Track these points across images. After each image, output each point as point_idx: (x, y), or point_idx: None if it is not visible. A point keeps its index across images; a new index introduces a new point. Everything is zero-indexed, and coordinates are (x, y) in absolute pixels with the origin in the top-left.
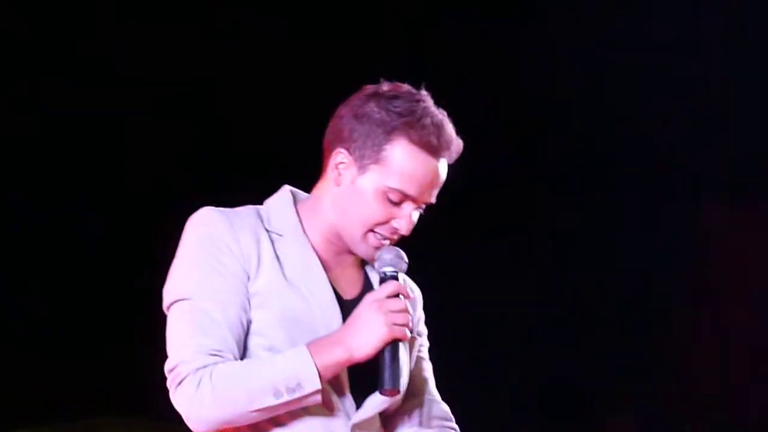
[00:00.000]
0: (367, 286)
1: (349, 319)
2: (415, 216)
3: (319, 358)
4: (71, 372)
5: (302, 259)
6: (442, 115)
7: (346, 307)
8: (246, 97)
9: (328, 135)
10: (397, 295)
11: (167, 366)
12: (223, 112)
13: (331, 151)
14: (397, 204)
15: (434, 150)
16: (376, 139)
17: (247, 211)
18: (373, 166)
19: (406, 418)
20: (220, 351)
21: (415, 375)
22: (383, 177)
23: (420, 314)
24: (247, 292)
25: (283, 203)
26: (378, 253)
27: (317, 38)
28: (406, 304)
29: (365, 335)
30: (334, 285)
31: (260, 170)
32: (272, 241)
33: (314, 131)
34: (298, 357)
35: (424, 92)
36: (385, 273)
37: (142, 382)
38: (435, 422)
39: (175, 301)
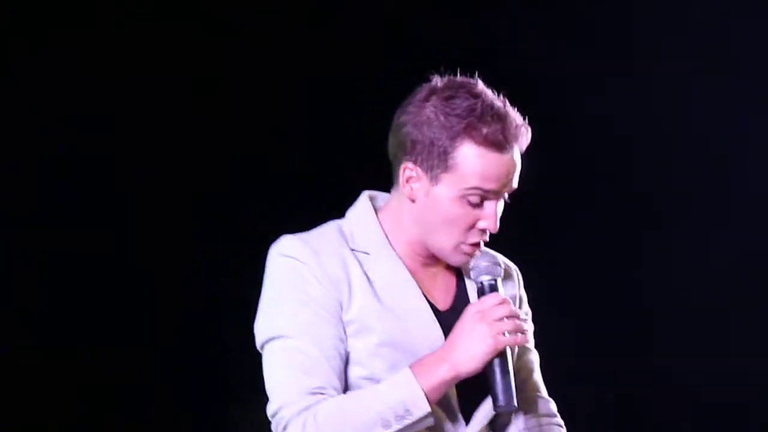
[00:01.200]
0: (462, 293)
1: (452, 334)
2: (500, 209)
3: (424, 380)
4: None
5: (394, 277)
6: (503, 105)
7: (443, 319)
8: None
9: (392, 147)
10: (500, 303)
11: (269, 410)
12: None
13: (398, 164)
14: (479, 204)
15: (502, 146)
16: (441, 146)
17: (328, 231)
18: (444, 175)
19: (510, 416)
20: (321, 389)
21: (519, 368)
22: (458, 182)
23: (522, 295)
24: (342, 321)
25: (366, 217)
26: (472, 262)
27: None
28: (512, 309)
29: (470, 349)
30: (428, 297)
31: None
32: (360, 262)
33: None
34: (403, 382)
35: (480, 84)
36: (482, 283)
37: None
38: (540, 420)
39: (268, 340)
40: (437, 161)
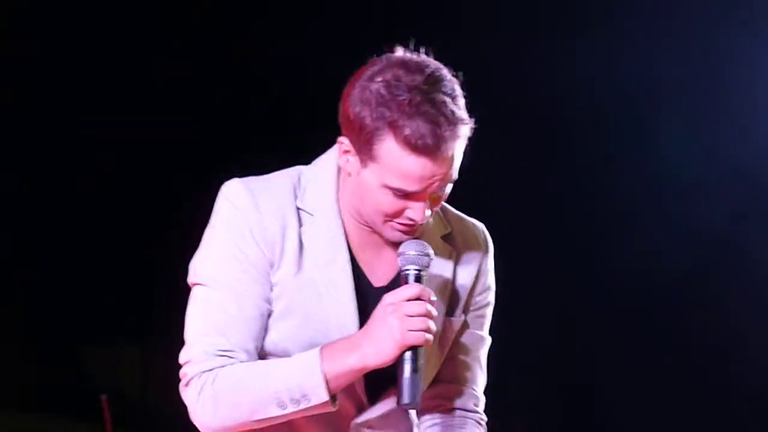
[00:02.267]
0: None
1: (367, 324)
2: (436, 198)
3: (330, 365)
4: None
5: (328, 246)
6: (444, 101)
7: (375, 295)
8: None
9: (340, 113)
10: (416, 298)
11: (180, 359)
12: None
13: (341, 132)
14: (405, 197)
15: (425, 149)
16: (368, 134)
17: (282, 182)
18: (369, 162)
19: (430, 403)
20: (229, 351)
21: (449, 358)
22: (380, 175)
23: (486, 269)
24: (269, 282)
25: (324, 174)
26: (400, 248)
27: None
28: (426, 308)
29: (379, 342)
30: (366, 270)
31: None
32: (300, 224)
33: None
34: (307, 365)
35: (430, 70)
36: (407, 273)
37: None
38: (458, 412)
39: (196, 284)
40: (363, 147)
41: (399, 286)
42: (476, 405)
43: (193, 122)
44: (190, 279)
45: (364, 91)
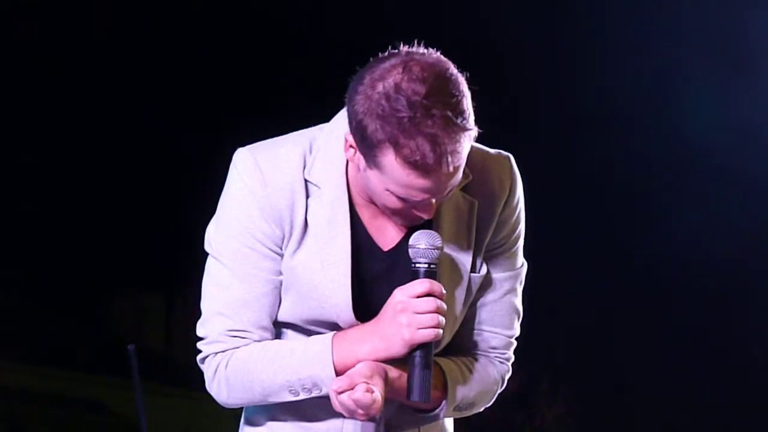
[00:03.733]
0: (411, 233)
1: (378, 318)
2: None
3: (341, 356)
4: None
5: (330, 225)
6: (447, 115)
7: (383, 259)
8: None
9: (346, 108)
10: (428, 294)
11: (197, 332)
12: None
13: (348, 122)
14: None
15: (424, 168)
16: (370, 142)
17: (291, 153)
18: (373, 167)
19: (457, 344)
20: (241, 331)
21: (474, 304)
22: (384, 181)
23: (504, 221)
24: (281, 253)
25: (334, 144)
26: (411, 239)
27: None
28: (436, 305)
29: (389, 339)
30: (374, 235)
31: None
32: (308, 194)
33: None
34: (318, 356)
35: (437, 76)
36: (417, 268)
37: None
38: (472, 352)
39: (209, 254)
40: (366, 154)
41: (407, 248)
42: (493, 347)
43: (221, 76)
44: (206, 247)
45: (367, 100)
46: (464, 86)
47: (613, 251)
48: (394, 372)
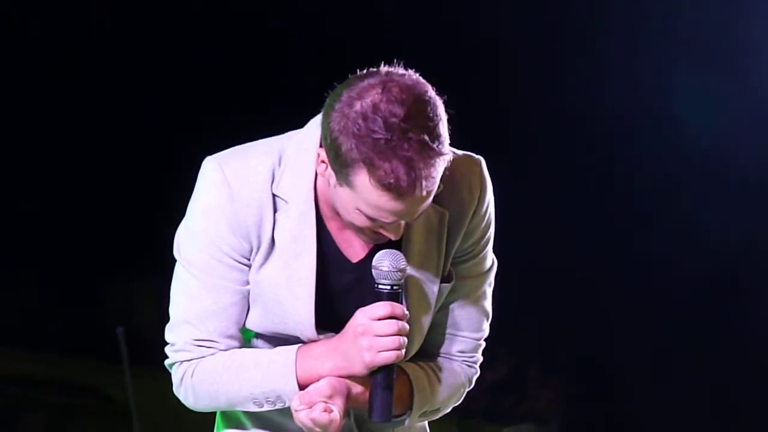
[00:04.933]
0: (380, 245)
1: (340, 337)
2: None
3: (304, 371)
4: None
5: (296, 242)
6: (423, 139)
7: (352, 270)
8: None
9: (321, 122)
10: (388, 316)
11: (166, 336)
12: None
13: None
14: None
15: (397, 191)
16: (343, 161)
17: (260, 167)
18: (344, 185)
19: (425, 349)
20: (207, 341)
21: (442, 308)
22: (354, 199)
23: (474, 228)
24: (248, 267)
25: (303, 157)
26: (374, 260)
27: None
28: (398, 327)
29: (350, 360)
30: (342, 247)
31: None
32: (275, 209)
33: None
34: (281, 371)
35: (415, 99)
36: (380, 288)
37: None
38: (447, 355)
39: (178, 260)
40: (338, 169)
41: (373, 259)
42: (461, 350)
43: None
44: (175, 253)
45: (343, 118)
46: (441, 110)
47: (609, 245)
48: (357, 388)
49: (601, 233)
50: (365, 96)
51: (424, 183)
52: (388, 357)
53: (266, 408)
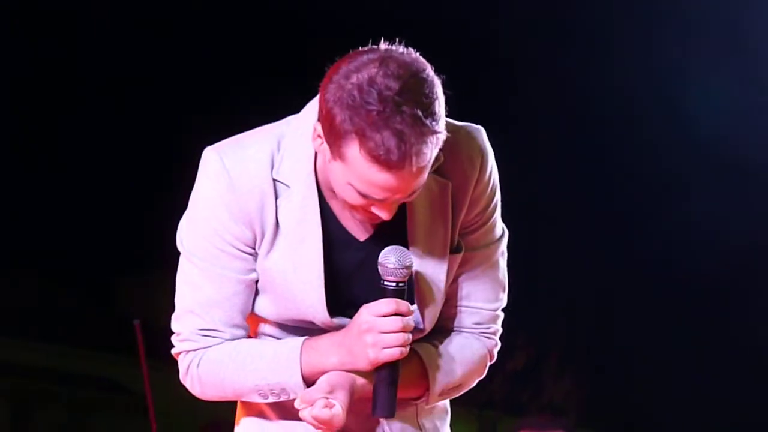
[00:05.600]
0: (386, 222)
1: (345, 332)
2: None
3: (309, 365)
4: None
5: (301, 225)
6: (417, 114)
7: (360, 248)
8: None
9: (318, 98)
10: (393, 313)
11: (171, 326)
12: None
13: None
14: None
15: (388, 164)
16: (336, 134)
17: (259, 154)
18: (338, 158)
19: (440, 324)
20: (212, 331)
21: (454, 281)
22: (346, 174)
23: (478, 197)
24: (254, 252)
25: (303, 140)
26: (380, 256)
27: None
28: (402, 324)
29: (353, 354)
30: (348, 226)
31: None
32: (277, 195)
33: None
34: (287, 364)
35: (412, 76)
36: (386, 285)
37: None
38: (463, 328)
39: (182, 251)
40: (332, 144)
41: (384, 235)
42: (477, 322)
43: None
44: (178, 245)
45: (339, 90)
46: (439, 89)
47: (624, 235)
48: (361, 380)
49: (613, 229)
50: (362, 69)
51: (414, 158)
52: (392, 354)
53: (271, 400)
